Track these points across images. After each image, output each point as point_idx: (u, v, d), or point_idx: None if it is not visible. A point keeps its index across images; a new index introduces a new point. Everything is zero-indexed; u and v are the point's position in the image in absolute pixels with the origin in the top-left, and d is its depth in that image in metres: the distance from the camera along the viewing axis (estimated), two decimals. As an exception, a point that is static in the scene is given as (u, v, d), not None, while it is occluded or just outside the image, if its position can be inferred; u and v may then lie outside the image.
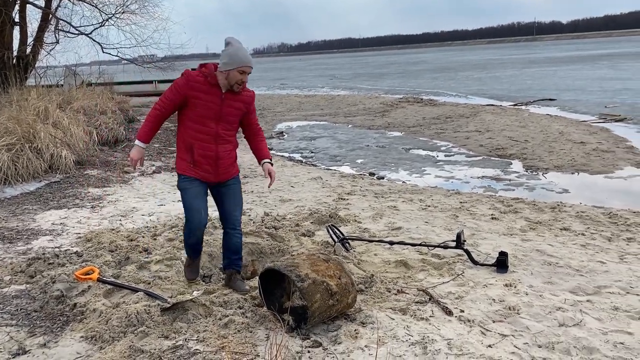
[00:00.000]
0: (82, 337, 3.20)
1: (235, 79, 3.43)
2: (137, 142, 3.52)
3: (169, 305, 3.36)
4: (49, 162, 7.81)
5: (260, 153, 3.78)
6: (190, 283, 3.89)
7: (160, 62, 16.99)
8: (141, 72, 16.83)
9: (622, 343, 2.98)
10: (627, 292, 3.66)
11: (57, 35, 14.39)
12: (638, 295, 3.61)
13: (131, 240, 4.91)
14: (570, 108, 14.99)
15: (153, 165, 8.91)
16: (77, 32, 14.91)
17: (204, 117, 3.48)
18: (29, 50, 13.48)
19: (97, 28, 15.15)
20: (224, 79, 3.45)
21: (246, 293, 3.66)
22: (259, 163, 3.78)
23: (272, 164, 3.74)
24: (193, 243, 3.75)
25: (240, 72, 3.42)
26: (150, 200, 6.65)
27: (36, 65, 13.77)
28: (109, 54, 15.86)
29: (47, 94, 10.43)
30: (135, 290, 3.67)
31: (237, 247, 3.80)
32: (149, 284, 3.86)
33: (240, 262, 3.87)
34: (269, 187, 3.85)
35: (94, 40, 15.28)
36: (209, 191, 3.72)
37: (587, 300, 3.54)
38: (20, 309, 3.59)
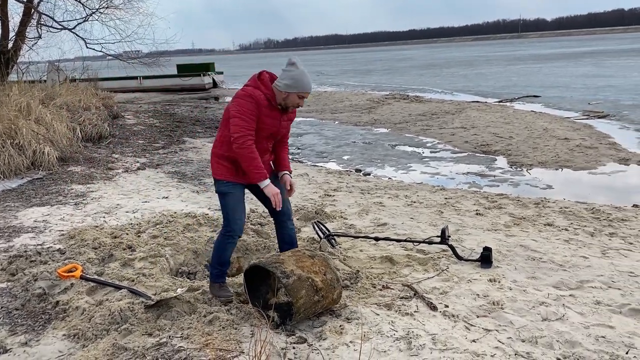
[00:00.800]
0: (64, 335, 3.16)
1: (294, 102, 3.35)
2: (264, 181, 3.33)
3: (152, 303, 3.33)
4: (31, 158, 7.71)
5: (284, 162, 3.70)
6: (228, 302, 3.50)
7: (145, 58, 16.81)
8: (125, 67, 16.66)
9: (603, 337, 3.02)
10: (609, 287, 3.71)
11: (39, 30, 14.20)
12: (620, 289, 3.66)
13: (115, 237, 4.86)
14: (555, 105, 15.15)
15: (137, 162, 8.83)
16: (60, 27, 14.69)
17: (262, 137, 3.38)
18: (10, 45, 13.27)
19: (80, 23, 14.96)
20: (282, 98, 3.35)
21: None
22: (277, 171, 3.68)
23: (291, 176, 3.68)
24: (229, 255, 3.57)
25: (300, 96, 3.33)
26: (134, 197, 6.59)
27: (18, 61, 13.59)
28: (93, 49, 15.66)
29: (29, 90, 10.29)
30: (118, 288, 3.64)
31: (293, 238, 3.78)
32: (133, 281, 3.82)
33: None
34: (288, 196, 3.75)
35: (77, 36, 15.09)
36: (245, 190, 3.58)
37: (570, 295, 3.58)
38: (1, 307, 3.54)
